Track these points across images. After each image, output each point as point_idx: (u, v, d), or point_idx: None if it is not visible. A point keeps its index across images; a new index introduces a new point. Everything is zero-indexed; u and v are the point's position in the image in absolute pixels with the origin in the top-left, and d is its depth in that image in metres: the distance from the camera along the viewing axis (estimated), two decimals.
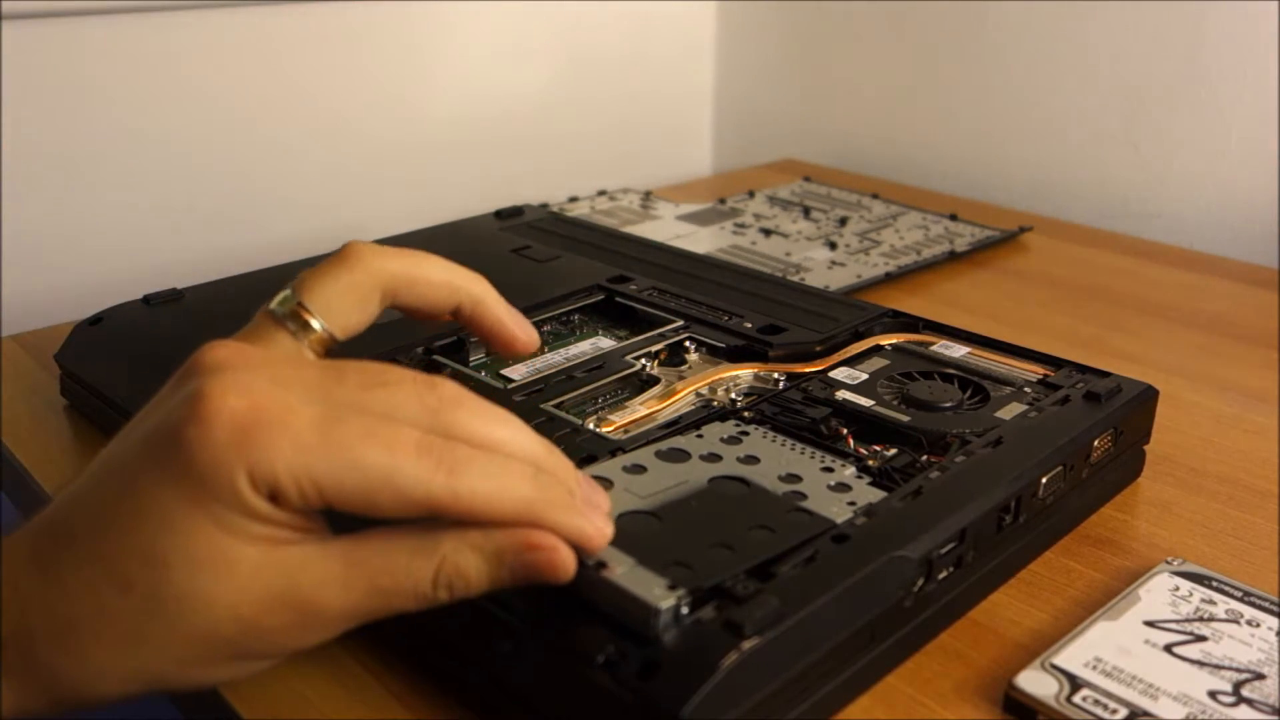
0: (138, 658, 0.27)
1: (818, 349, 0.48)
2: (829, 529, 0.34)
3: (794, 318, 0.50)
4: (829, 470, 0.38)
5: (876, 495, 0.36)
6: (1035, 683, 0.32)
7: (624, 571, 0.30)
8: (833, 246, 0.72)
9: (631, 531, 0.32)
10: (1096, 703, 0.31)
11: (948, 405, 0.42)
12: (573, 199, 0.82)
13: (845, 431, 0.41)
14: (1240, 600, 0.36)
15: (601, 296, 0.54)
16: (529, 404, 0.42)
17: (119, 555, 0.27)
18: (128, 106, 0.72)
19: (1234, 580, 0.37)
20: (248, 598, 0.27)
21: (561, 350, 0.49)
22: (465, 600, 0.29)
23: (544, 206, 0.73)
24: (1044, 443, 0.39)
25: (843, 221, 0.78)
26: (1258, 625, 0.35)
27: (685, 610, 0.30)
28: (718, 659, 0.28)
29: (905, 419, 0.41)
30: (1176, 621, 0.35)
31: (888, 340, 0.49)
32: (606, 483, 0.35)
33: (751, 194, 0.85)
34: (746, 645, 0.28)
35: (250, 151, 0.78)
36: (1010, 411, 0.42)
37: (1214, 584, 0.37)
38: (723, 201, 0.83)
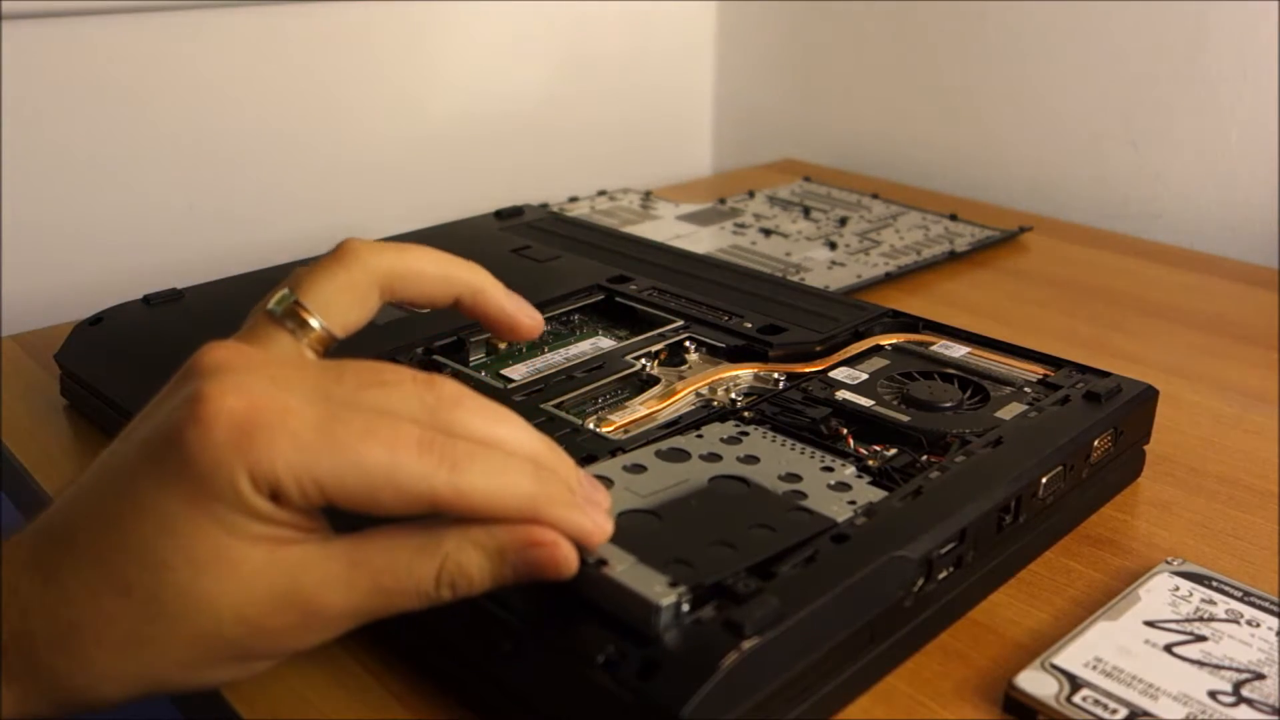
0: (139, 660, 0.27)
1: (818, 349, 0.48)
2: (829, 528, 0.34)
3: (794, 318, 0.50)
4: (829, 470, 0.38)
5: (876, 495, 0.36)
6: (1035, 683, 0.32)
7: (624, 569, 0.30)
8: (833, 246, 0.72)
9: (632, 530, 0.32)
10: (1096, 703, 0.31)
11: (948, 405, 0.42)
12: (573, 199, 0.82)
13: (845, 431, 0.41)
14: (1240, 600, 0.36)
15: (601, 296, 0.54)
16: (529, 404, 0.42)
17: (119, 558, 0.27)
18: (128, 106, 0.72)
19: (1234, 580, 0.37)
20: (250, 598, 0.27)
21: (561, 350, 0.49)
22: (465, 599, 0.29)
23: (544, 206, 0.74)
24: (1044, 443, 0.39)
25: (843, 221, 0.78)
26: (1258, 625, 0.35)
27: (686, 608, 0.30)
28: (718, 659, 0.28)
29: (905, 419, 0.41)
30: (1176, 621, 0.35)
31: (888, 340, 0.49)
32: (607, 482, 0.35)
33: (751, 194, 0.85)
34: (747, 645, 0.28)
35: (250, 151, 0.78)
36: (1010, 411, 0.42)
37: (1214, 584, 0.37)
38: (723, 201, 0.83)
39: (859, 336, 0.49)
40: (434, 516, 0.29)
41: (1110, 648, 0.34)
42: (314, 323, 0.32)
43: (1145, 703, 0.31)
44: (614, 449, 0.38)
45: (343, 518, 0.28)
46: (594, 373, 0.45)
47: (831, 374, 0.45)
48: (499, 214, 0.67)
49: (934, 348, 0.48)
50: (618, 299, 0.53)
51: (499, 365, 0.47)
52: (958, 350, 0.47)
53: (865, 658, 0.33)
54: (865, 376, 0.45)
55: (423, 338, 0.47)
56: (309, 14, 0.79)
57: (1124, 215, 0.82)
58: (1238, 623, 0.35)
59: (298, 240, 0.80)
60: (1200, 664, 0.33)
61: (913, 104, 0.94)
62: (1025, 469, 0.38)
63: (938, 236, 0.75)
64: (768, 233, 0.75)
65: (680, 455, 0.38)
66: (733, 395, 0.44)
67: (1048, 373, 0.45)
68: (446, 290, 0.35)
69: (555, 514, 0.29)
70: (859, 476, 0.37)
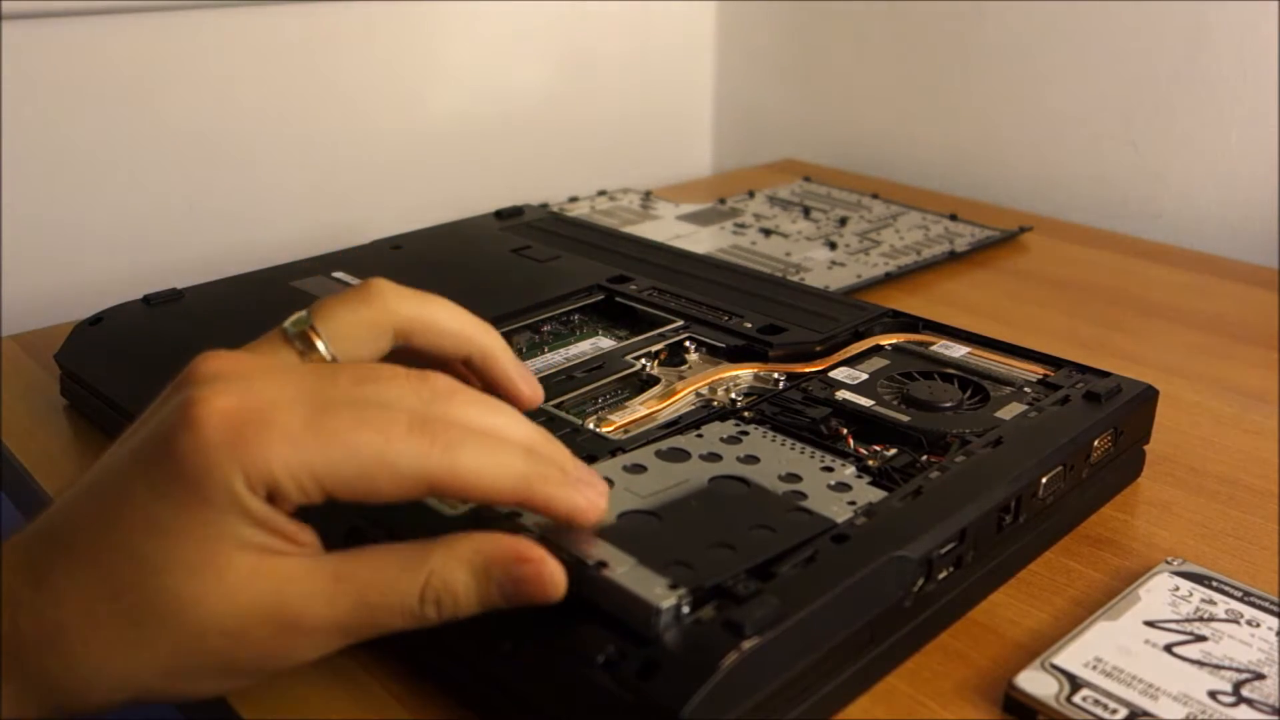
0: (123, 666, 0.27)
1: (818, 349, 0.48)
2: (829, 529, 0.34)
3: (794, 318, 0.50)
4: (829, 470, 0.38)
5: (876, 495, 0.36)
6: (1035, 683, 0.32)
7: (624, 571, 0.30)
8: (833, 246, 0.72)
9: (632, 531, 0.32)
10: (1096, 703, 0.31)
11: (948, 405, 0.42)
12: (573, 199, 0.82)
13: (845, 431, 0.41)
14: (1240, 600, 0.36)
15: (601, 296, 0.54)
16: None
17: (110, 562, 0.27)
18: (127, 106, 0.72)
19: (1234, 580, 0.37)
20: (235, 606, 0.27)
21: (561, 350, 0.49)
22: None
23: (544, 206, 0.73)
24: (1044, 443, 0.39)
25: (843, 221, 0.78)
26: (1258, 625, 0.35)
27: (686, 610, 0.30)
28: (718, 659, 0.28)
29: (905, 419, 0.41)
30: (1176, 621, 0.35)
31: (888, 340, 0.49)
32: (607, 482, 0.35)
33: (751, 194, 0.85)
34: (746, 645, 0.28)
35: (250, 151, 0.78)
36: (1010, 411, 0.42)
37: (1214, 584, 0.37)
38: (723, 201, 0.83)
39: (859, 336, 0.49)
40: (423, 537, 0.29)
41: (1110, 648, 0.34)
42: (321, 347, 0.32)
43: (1145, 703, 0.31)
44: (614, 449, 0.38)
45: (341, 533, 0.28)
46: (594, 373, 0.45)
47: (831, 374, 0.45)
48: (499, 214, 0.67)
49: (934, 348, 0.48)
50: (618, 299, 0.53)
51: None
52: (958, 350, 0.47)
53: (865, 658, 0.33)
54: (865, 376, 0.45)
55: None
56: (309, 14, 0.79)
57: (1124, 215, 0.82)
58: (1238, 623, 0.35)
59: (298, 240, 0.80)
60: (1200, 664, 0.33)
61: (913, 104, 0.94)
62: (1025, 469, 0.38)
63: (938, 236, 0.75)
64: (768, 233, 0.75)
65: (680, 455, 0.38)
66: (733, 395, 0.44)
67: (1048, 373, 0.45)
68: (458, 348, 0.35)
69: (548, 491, 0.30)
70: (859, 476, 0.37)
